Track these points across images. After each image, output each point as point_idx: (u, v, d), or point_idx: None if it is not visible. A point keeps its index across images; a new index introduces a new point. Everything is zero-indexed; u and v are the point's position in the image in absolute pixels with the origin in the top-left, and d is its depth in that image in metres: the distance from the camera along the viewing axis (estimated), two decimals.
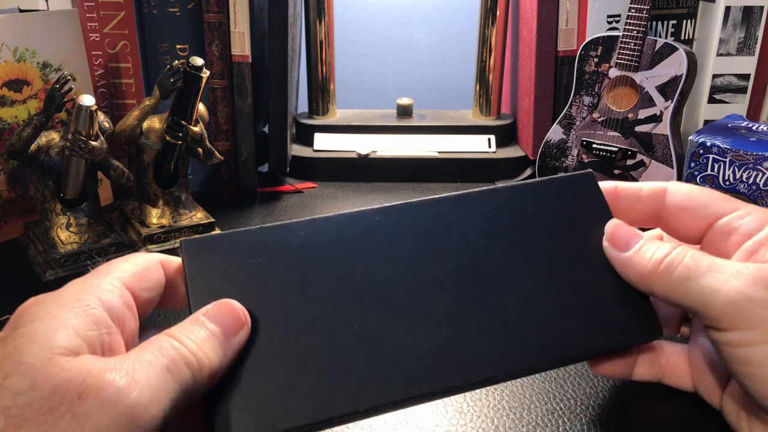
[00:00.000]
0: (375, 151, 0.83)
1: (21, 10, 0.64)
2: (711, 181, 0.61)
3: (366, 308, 0.31)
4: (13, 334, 0.25)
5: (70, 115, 0.58)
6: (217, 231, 0.66)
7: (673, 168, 0.68)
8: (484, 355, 0.31)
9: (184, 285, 0.31)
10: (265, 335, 0.30)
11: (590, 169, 0.40)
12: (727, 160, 0.59)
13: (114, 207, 0.71)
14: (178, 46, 0.73)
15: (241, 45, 0.72)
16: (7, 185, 0.64)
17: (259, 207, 0.75)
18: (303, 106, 0.91)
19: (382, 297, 0.32)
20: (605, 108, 0.72)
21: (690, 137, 0.62)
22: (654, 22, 0.78)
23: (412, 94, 0.91)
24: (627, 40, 0.70)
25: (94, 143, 0.56)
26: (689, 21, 0.79)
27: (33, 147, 0.57)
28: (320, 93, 0.87)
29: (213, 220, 0.66)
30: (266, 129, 0.84)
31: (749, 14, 0.74)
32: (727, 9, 0.74)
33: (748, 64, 0.76)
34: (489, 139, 0.85)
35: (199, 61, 0.59)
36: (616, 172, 0.72)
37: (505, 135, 0.87)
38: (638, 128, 0.71)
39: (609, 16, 0.77)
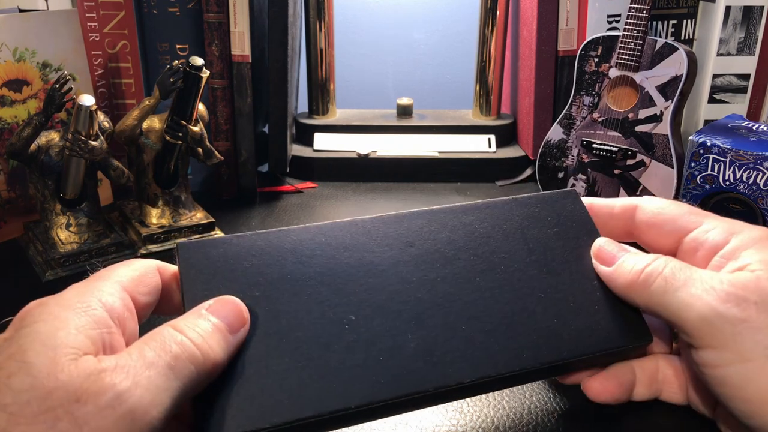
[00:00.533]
0: (375, 151, 0.83)
1: (21, 10, 0.63)
2: (711, 181, 0.61)
3: (357, 309, 0.32)
4: (17, 334, 0.25)
5: (70, 115, 0.58)
6: (217, 231, 0.66)
7: (673, 168, 0.68)
8: (474, 357, 0.32)
9: (179, 287, 0.31)
10: (256, 333, 0.30)
11: (573, 188, 0.41)
12: (728, 160, 0.59)
13: (114, 207, 0.71)
14: (178, 46, 0.73)
15: (241, 45, 0.72)
16: (7, 185, 0.64)
17: (259, 207, 0.75)
18: (303, 106, 0.90)
19: (374, 299, 0.33)
20: (605, 108, 0.72)
21: (690, 137, 0.62)
22: (654, 22, 0.78)
23: (412, 94, 0.91)
24: (627, 39, 0.70)
25: (94, 143, 0.56)
26: (689, 21, 0.79)
27: (33, 147, 0.57)
28: (320, 93, 0.87)
29: (213, 220, 0.66)
30: (266, 129, 0.84)
31: (749, 14, 0.74)
32: (728, 9, 0.74)
33: (748, 64, 0.76)
34: (489, 139, 0.85)
35: (199, 61, 0.59)
36: (616, 172, 0.72)
37: (505, 135, 0.87)
38: (638, 128, 0.71)
39: (609, 16, 0.77)
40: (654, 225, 0.36)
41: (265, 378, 0.29)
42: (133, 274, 0.30)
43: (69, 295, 0.28)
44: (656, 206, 0.37)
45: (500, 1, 0.82)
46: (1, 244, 0.64)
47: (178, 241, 0.33)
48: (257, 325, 0.31)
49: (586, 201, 0.39)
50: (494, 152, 0.84)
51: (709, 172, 0.61)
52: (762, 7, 0.74)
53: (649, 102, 0.70)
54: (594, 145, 0.73)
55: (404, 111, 0.88)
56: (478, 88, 0.88)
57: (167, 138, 0.61)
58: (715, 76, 0.77)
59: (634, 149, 0.71)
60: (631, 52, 0.70)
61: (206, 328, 0.28)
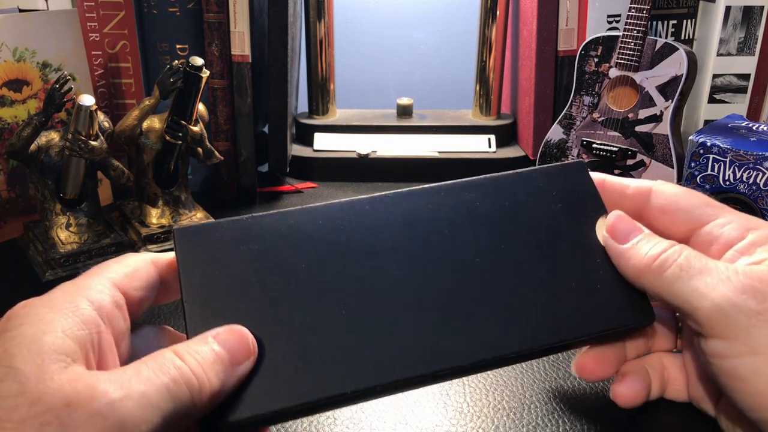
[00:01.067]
0: (375, 151, 0.83)
1: (21, 10, 0.63)
2: (711, 181, 0.61)
3: (354, 293, 0.32)
4: (2, 338, 0.25)
5: (70, 115, 0.58)
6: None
7: (673, 168, 0.68)
8: (473, 340, 0.32)
9: (177, 272, 0.31)
10: (253, 318, 0.30)
11: (582, 159, 0.40)
12: (728, 160, 0.59)
13: (114, 207, 0.71)
14: (178, 46, 0.73)
15: (241, 45, 0.72)
16: (7, 185, 0.64)
17: (258, 207, 0.75)
18: (303, 106, 0.90)
19: (371, 282, 0.32)
20: (605, 108, 0.72)
21: (690, 137, 0.62)
22: (654, 22, 0.78)
23: (412, 94, 0.91)
24: (627, 39, 0.70)
25: (94, 143, 0.56)
26: (689, 21, 0.79)
27: (33, 147, 0.57)
28: (320, 93, 0.87)
29: (213, 220, 0.66)
30: (266, 129, 0.84)
31: (749, 14, 0.74)
32: (728, 9, 0.74)
33: (748, 64, 0.76)
34: (489, 139, 0.85)
35: (199, 61, 0.59)
36: (617, 172, 0.72)
37: (505, 135, 0.87)
38: (638, 128, 0.71)
39: (609, 16, 0.77)
40: (668, 212, 0.35)
41: (261, 363, 0.29)
42: (124, 269, 0.30)
43: (56, 294, 0.27)
44: (672, 193, 0.36)
45: (500, 1, 0.82)
46: (1, 244, 0.64)
47: (175, 226, 0.32)
48: (254, 310, 0.31)
49: (598, 177, 0.37)
50: (494, 152, 0.84)
51: (709, 172, 0.61)
52: (762, 7, 0.74)
53: (649, 102, 0.70)
54: (594, 145, 0.73)
55: (404, 111, 0.88)
56: (478, 88, 0.88)
57: (167, 138, 0.61)
58: (715, 76, 0.77)
59: (634, 149, 0.71)
60: (631, 52, 0.70)
61: (207, 357, 0.27)
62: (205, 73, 0.60)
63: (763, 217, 0.58)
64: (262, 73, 0.78)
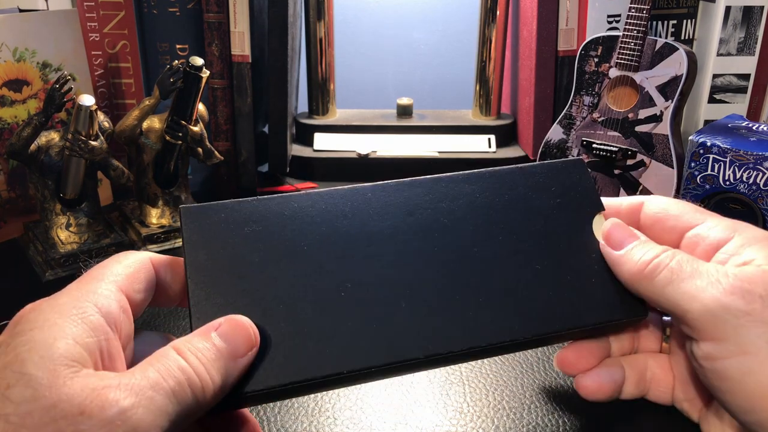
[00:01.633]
0: (375, 151, 0.83)
1: (21, 10, 0.63)
2: (711, 181, 0.61)
3: (354, 276, 0.32)
4: (13, 342, 0.25)
5: (70, 115, 0.58)
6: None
7: (673, 168, 0.68)
8: (468, 327, 0.32)
9: (182, 249, 0.32)
10: (255, 297, 0.31)
11: (581, 157, 0.40)
12: (728, 160, 0.59)
13: (114, 207, 0.71)
14: (178, 46, 0.73)
15: (241, 45, 0.72)
16: (7, 185, 0.64)
17: None
18: (303, 106, 0.90)
19: (371, 266, 0.33)
20: (605, 108, 0.72)
21: (690, 137, 0.62)
22: (654, 22, 0.78)
23: (412, 94, 0.91)
24: (627, 39, 0.70)
25: (94, 143, 0.56)
26: (689, 21, 0.79)
27: (33, 147, 0.57)
28: (320, 93, 0.87)
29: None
30: (266, 129, 0.84)
31: (749, 14, 0.74)
32: (728, 9, 0.74)
33: (748, 64, 0.76)
34: (489, 139, 0.85)
35: (199, 61, 0.59)
36: (616, 172, 0.72)
37: (505, 135, 0.87)
38: (638, 128, 0.71)
39: (609, 16, 0.77)
40: (658, 221, 0.36)
41: (261, 342, 0.30)
42: (127, 271, 0.30)
43: (64, 299, 0.27)
44: (663, 202, 0.37)
45: (500, 1, 0.82)
46: (1, 244, 0.64)
47: (182, 206, 0.33)
48: (255, 289, 0.31)
49: None
50: (494, 152, 0.84)
51: (709, 172, 0.61)
52: (762, 7, 0.74)
53: (649, 102, 0.70)
54: (594, 145, 0.73)
55: (404, 111, 0.88)
56: (478, 88, 0.88)
57: (167, 138, 0.61)
58: (715, 76, 0.77)
59: (634, 149, 0.71)
60: (631, 52, 0.70)
61: (209, 355, 0.27)
62: (205, 73, 0.60)
63: (764, 217, 0.58)
64: (262, 73, 0.78)
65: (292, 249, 0.33)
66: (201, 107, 0.64)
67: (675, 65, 0.68)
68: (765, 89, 0.78)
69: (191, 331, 0.29)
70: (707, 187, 0.61)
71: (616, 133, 0.72)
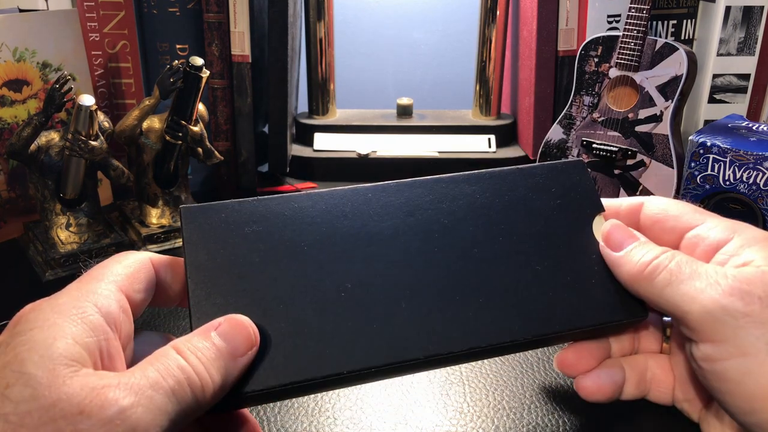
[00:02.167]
0: (375, 151, 0.83)
1: (21, 10, 0.63)
2: (711, 181, 0.61)
3: (354, 277, 0.32)
4: (13, 341, 0.25)
5: (70, 115, 0.58)
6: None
7: (673, 168, 0.68)
8: (468, 327, 0.32)
9: (183, 249, 0.32)
10: (255, 297, 0.31)
11: (581, 158, 0.40)
12: (728, 160, 0.59)
13: (114, 207, 0.71)
14: (178, 46, 0.73)
15: (241, 45, 0.72)
16: (7, 185, 0.64)
17: None
18: (303, 106, 0.90)
19: (371, 267, 0.33)
20: (605, 108, 0.72)
21: (690, 137, 0.62)
22: (654, 22, 0.78)
23: (412, 94, 0.91)
24: (627, 39, 0.70)
25: (93, 143, 0.56)
26: (689, 21, 0.79)
27: (33, 147, 0.57)
28: (320, 93, 0.87)
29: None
30: (266, 129, 0.84)
31: (749, 14, 0.74)
32: (728, 9, 0.74)
33: (748, 64, 0.76)
34: (489, 139, 0.85)
35: (199, 61, 0.59)
36: (616, 172, 0.72)
37: (505, 135, 0.87)
38: (638, 128, 0.71)
39: (609, 16, 0.77)
40: (657, 221, 0.36)
41: (261, 342, 0.30)
42: (127, 271, 0.30)
43: (64, 299, 0.27)
44: (663, 203, 0.37)
45: (500, 1, 0.82)
46: (1, 244, 0.64)
47: (182, 206, 0.33)
48: (254, 289, 0.31)
49: None
50: (494, 152, 0.84)
51: (709, 172, 0.61)
52: (762, 7, 0.74)
53: (649, 102, 0.70)
54: (594, 145, 0.73)
55: (404, 111, 0.88)
56: (478, 88, 0.88)
57: (167, 138, 0.61)
58: (715, 76, 0.77)
59: (634, 149, 0.71)
60: (631, 52, 0.70)
61: (209, 355, 0.27)
62: (205, 73, 0.60)
63: (764, 217, 0.58)
64: (262, 73, 0.78)
65: (293, 249, 0.33)
66: (201, 107, 0.64)
67: (675, 65, 0.68)
68: (765, 89, 0.78)
69: (191, 330, 0.29)
70: (707, 187, 0.61)
71: (616, 133, 0.72)
